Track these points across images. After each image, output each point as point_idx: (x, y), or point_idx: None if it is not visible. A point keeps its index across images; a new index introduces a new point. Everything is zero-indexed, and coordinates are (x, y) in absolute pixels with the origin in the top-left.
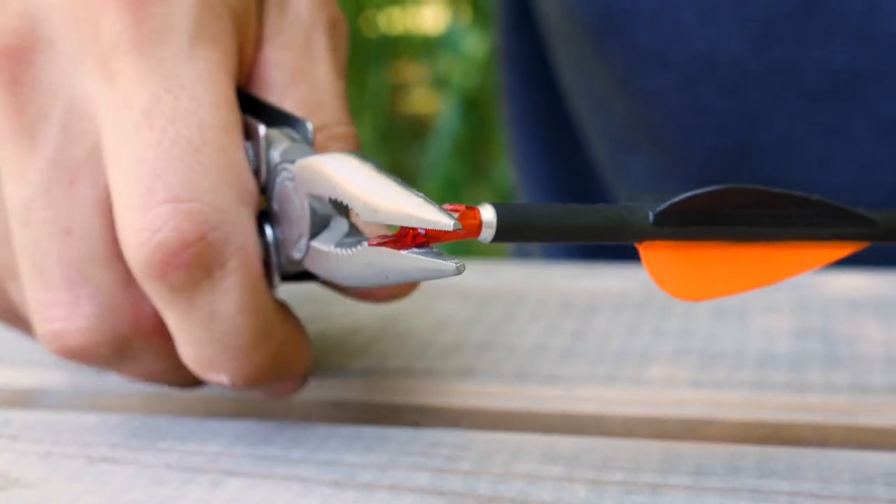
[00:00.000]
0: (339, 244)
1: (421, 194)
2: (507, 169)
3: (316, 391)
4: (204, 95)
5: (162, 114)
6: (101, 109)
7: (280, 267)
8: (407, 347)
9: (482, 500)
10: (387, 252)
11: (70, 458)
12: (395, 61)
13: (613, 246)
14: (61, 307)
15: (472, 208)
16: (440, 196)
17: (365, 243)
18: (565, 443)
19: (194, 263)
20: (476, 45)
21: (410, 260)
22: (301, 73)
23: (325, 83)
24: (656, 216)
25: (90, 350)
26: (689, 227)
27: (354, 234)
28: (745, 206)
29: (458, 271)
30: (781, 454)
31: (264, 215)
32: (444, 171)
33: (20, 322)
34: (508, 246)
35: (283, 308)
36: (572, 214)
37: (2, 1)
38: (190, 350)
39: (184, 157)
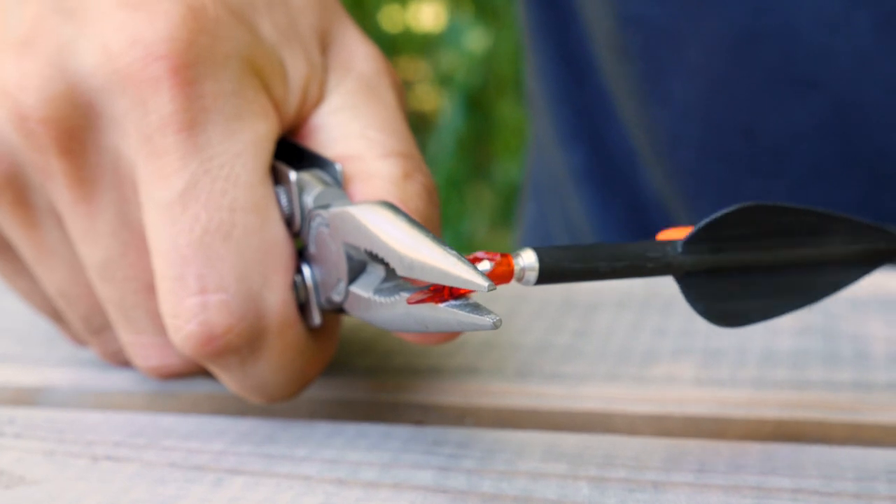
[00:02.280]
0: (378, 290)
1: (454, 251)
2: (510, 167)
3: (320, 389)
4: (241, 174)
5: (197, 198)
6: (142, 183)
7: (320, 305)
8: (410, 346)
9: (485, 497)
10: (425, 305)
11: (74, 456)
12: (396, 58)
13: None
14: (154, 348)
15: (505, 256)
16: (444, 194)
17: (404, 297)
18: (568, 440)
19: (222, 352)
20: (478, 41)
21: (449, 314)
22: (367, 111)
23: (393, 118)
24: (684, 245)
25: (185, 375)
26: (720, 255)
27: (392, 278)
28: (770, 225)
29: (496, 326)
30: (784, 451)
31: (302, 255)
32: (447, 169)
33: (124, 361)
34: (510, 243)
35: (319, 336)
36: (608, 257)
37: (52, 70)
38: (232, 389)
39: (213, 246)
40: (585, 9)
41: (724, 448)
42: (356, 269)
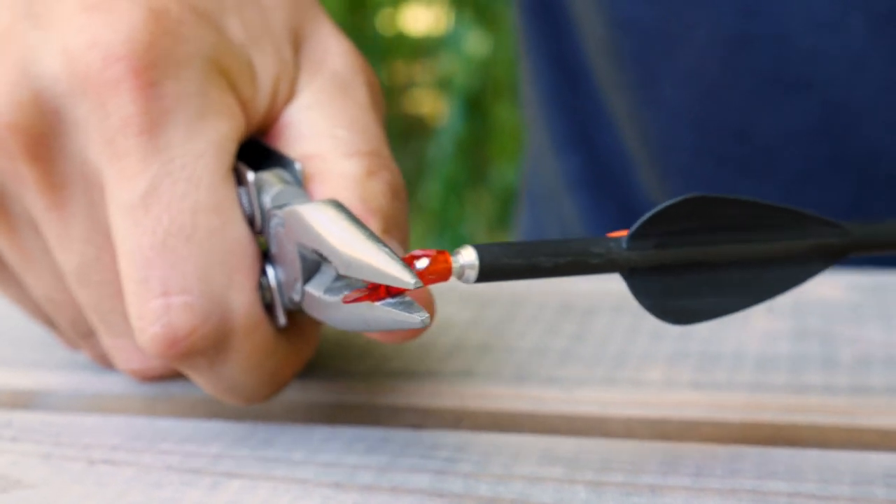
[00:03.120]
0: (329, 289)
1: (387, 248)
2: (507, 171)
3: (317, 393)
4: (203, 176)
5: (159, 200)
6: (107, 186)
7: (284, 305)
8: (407, 349)
9: (482, 501)
10: (363, 304)
11: (71, 459)
12: (396, 62)
13: None
14: (135, 351)
15: (442, 253)
16: (442, 197)
17: (344, 294)
18: (565, 444)
19: (188, 354)
20: (477, 44)
21: (384, 311)
22: (336, 108)
23: (363, 116)
24: (629, 241)
25: (167, 377)
26: (666, 251)
27: (342, 278)
28: (717, 218)
29: (423, 324)
30: (781, 455)
31: (266, 256)
32: (446, 173)
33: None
34: None
35: (293, 337)
36: (550, 253)
37: (17, 77)
38: (207, 391)
39: (176, 248)
40: (578, 13)
41: (722, 452)
42: (311, 269)
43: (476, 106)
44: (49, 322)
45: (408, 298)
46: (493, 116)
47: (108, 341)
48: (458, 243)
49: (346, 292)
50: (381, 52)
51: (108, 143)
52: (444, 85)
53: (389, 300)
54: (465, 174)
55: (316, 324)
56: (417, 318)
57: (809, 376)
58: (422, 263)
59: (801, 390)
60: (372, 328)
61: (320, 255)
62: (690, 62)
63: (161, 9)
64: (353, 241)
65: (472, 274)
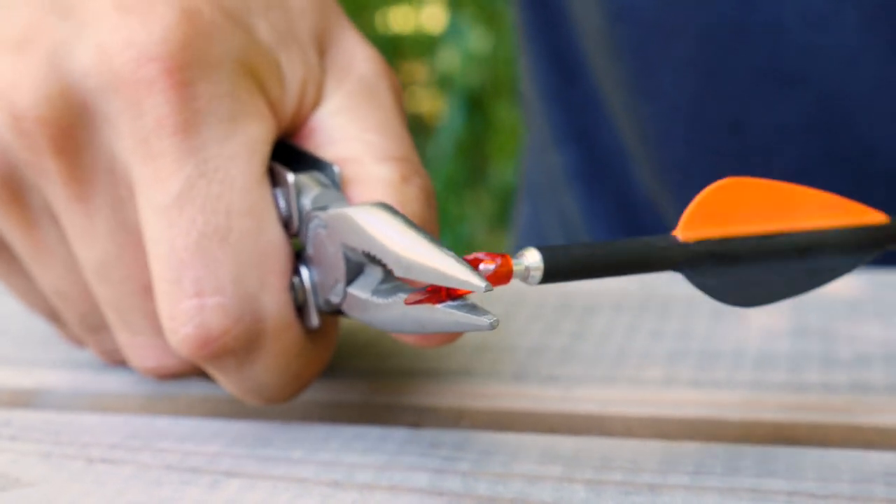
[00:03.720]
0: (376, 291)
1: (451, 252)
2: (507, 169)
3: (316, 392)
4: (237, 177)
5: (193, 201)
6: (138, 185)
7: (318, 307)
8: (406, 348)
9: (481, 500)
10: (423, 306)
11: (70, 458)
12: (397, 60)
13: None
14: (151, 349)
15: (505, 256)
16: (442, 197)
17: (402, 297)
18: (564, 443)
19: (219, 355)
20: (478, 41)
21: (446, 314)
22: (366, 113)
23: (392, 121)
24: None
25: (183, 376)
26: (722, 244)
27: (390, 279)
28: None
29: (493, 327)
30: (780, 454)
31: (300, 257)
32: (446, 172)
33: (121, 360)
34: (507, 246)
35: (317, 338)
36: (611, 253)
37: (47, 70)
38: (230, 391)
39: (210, 249)
40: (576, 6)
41: (721, 450)
42: (354, 271)
43: (476, 104)
44: (53, 316)
45: (471, 301)
46: (493, 115)
47: (125, 339)
48: (458, 243)
49: (394, 294)
50: (380, 51)
51: (141, 142)
52: (444, 83)
53: (451, 303)
54: (465, 173)
55: (336, 326)
56: (486, 320)
57: (809, 374)
58: (486, 267)
59: (801, 388)
60: (428, 330)
61: (369, 257)
62: (686, 54)
63: (194, 10)
64: (413, 245)
65: (538, 275)
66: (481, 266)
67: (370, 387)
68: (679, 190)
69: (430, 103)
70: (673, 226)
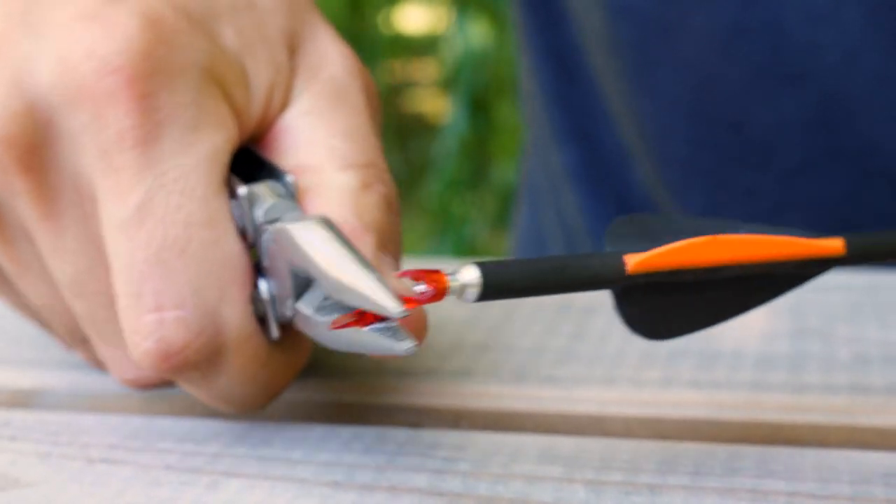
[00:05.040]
0: (319, 308)
1: (375, 273)
2: (508, 170)
3: (315, 392)
4: (196, 188)
5: (153, 214)
6: (100, 199)
7: (277, 319)
8: None
9: (481, 500)
10: (350, 328)
11: (69, 458)
12: (398, 60)
13: None
14: (128, 361)
15: (435, 272)
16: (445, 197)
17: (336, 317)
18: (564, 443)
19: (181, 368)
20: (480, 39)
21: (370, 337)
22: (333, 116)
23: (360, 124)
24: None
25: (162, 387)
26: (661, 273)
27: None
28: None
29: (407, 353)
30: (780, 454)
31: (258, 268)
32: (448, 172)
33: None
34: (508, 246)
35: (286, 347)
36: (551, 271)
37: (10, 88)
38: (201, 400)
39: (169, 261)
40: (575, 3)
41: (720, 451)
42: (302, 286)
43: (479, 104)
44: (45, 325)
45: (395, 324)
46: (495, 115)
47: (104, 351)
48: (460, 243)
49: (335, 312)
50: (381, 51)
51: (102, 155)
52: (447, 82)
53: (377, 325)
54: (468, 173)
55: None
56: (402, 346)
57: (808, 375)
58: (419, 288)
59: (800, 389)
60: (359, 351)
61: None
62: (687, 51)
63: (157, 17)
64: (342, 265)
65: (475, 292)
66: (414, 287)
67: (370, 388)
68: (680, 187)
69: (433, 103)
70: None
